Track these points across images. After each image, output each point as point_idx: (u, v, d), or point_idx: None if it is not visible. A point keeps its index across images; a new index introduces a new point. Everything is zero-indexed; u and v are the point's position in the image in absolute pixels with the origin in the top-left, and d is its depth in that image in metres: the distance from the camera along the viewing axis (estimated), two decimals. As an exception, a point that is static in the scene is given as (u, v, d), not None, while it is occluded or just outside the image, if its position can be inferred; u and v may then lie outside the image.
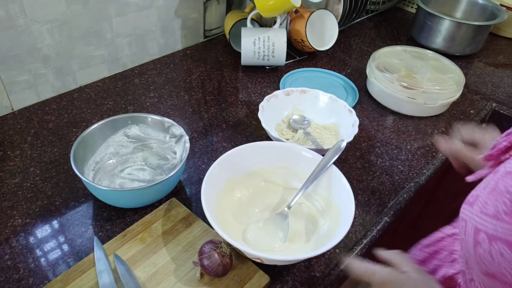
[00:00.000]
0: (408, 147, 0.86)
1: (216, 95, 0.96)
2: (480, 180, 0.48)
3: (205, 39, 1.17)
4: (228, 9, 1.17)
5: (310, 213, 0.66)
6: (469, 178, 0.52)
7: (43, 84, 0.88)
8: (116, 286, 0.55)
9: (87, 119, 0.86)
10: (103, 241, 0.62)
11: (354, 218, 0.64)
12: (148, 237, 0.61)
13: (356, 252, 0.65)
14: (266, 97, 0.84)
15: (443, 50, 1.17)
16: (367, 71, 0.99)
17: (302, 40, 1.06)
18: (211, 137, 0.84)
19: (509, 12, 1.22)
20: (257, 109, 0.81)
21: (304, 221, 0.65)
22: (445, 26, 1.15)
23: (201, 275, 0.57)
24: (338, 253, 0.64)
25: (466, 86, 1.05)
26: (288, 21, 1.10)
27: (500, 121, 1.02)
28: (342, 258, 0.62)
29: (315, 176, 0.65)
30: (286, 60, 1.05)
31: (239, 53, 1.02)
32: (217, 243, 0.56)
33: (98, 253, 0.58)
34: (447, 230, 0.65)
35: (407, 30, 1.34)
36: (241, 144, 0.69)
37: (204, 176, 0.61)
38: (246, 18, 1.02)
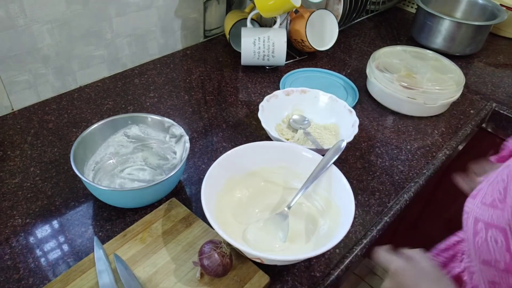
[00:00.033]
0: (408, 147, 0.86)
1: (216, 95, 0.96)
2: None
3: (205, 39, 1.17)
4: (228, 9, 1.17)
5: (310, 213, 0.66)
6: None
7: (43, 84, 0.88)
8: (116, 286, 0.55)
9: (87, 119, 0.86)
10: (103, 241, 0.62)
11: (354, 218, 0.64)
12: (148, 237, 0.61)
13: (356, 252, 0.65)
14: (266, 97, 0.84)
15: (443, 50, 1.17)
16: (367, 71, 0.99)
17: (302, 40, 1.06)
18: (211, 137, 0.84)
19: (509, 12, 1.22)
20: (257, 109, 0.81)
21: (304, 221, 0.65)
22: (445, 26, 1.15)
23: (201, 275, 0.57)
24: (338, 253, 0.64)
25: (466, 86, 1.05)
26: (288, 21, 1.10)
27: (500, 121, 1.02)
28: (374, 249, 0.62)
29: (315, 176, 0.65)
30: (286, 60, 1.05)
31: (239, 53, 1.02)
32: (217, 243, 0.56)
33: (98, 253, 0.58)
34: (462, 234, 0.66)
35: (407, 30, 1.34)
36: (241, 144, 0.69)
37: (204, 176, 0.61)
38: (246, 18, 1.02)
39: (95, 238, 0.61)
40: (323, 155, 0.67)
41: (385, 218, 0.71)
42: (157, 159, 0.75)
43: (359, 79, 1.05)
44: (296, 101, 0.87)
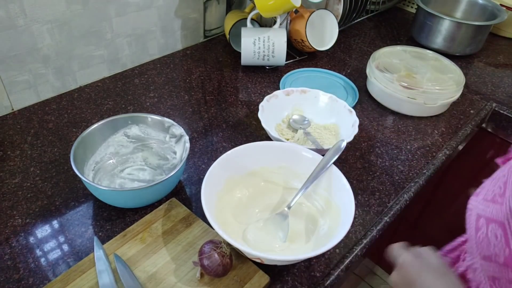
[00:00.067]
0: (408, 147, 0.86)
1: (216, 95, 0.96)
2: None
3: (205, 39, 1.17)
4: (228, 9, 1.17)
5: (310, 213, 0.66)
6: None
7: (43, 84, 0.88)
8: (116, 286, 0.55)
9: (87, 119, 0.86)
10: (103, 241, 0.62)
11: (354, 218, 0.64)
12: (148, 237, 0.61)
13: (356, 252, 0.65)
14: (266, 97, 0.84)
15: (443, 50, 1.17)
16: (367, 71, 0.99)
17: (302, 40, 1.06)
18: (211, 137, 0.84)
19: (509, 12, 1.22)
20: (257, 109, 0.81)
21: (304, 221, 0.65)
22: (445, 26, 1.15)
23: (201, 275, 0.57)
24: (338, 253, 0.64)
25: (466, 86, 1.05)
26: (288, 21, 1.10)
27: (500, 121, 1.02)
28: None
29: (315, 176, 0.65)
30: (286, 60, 1.05)
31: (239, 53, 1.02)
32: (217, 243, 0.56)
33: (98, 253, 0.58)
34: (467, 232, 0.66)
35: (407, 30, 1.34)
36: (241, 144, 0.69)
37: (204, 176, 0.61)
38: (246, 18, 1.02)
39: (95, 238, 0.61)
40: (323, 155, 0.67)
41: (385, 218, 0.71)
42: (157, 159, 0.75)
43: (359, 79, 1.05)
44: (296, 101, 0.87)
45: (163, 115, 0.74)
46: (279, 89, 0.97)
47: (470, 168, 1.18)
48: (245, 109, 0.92)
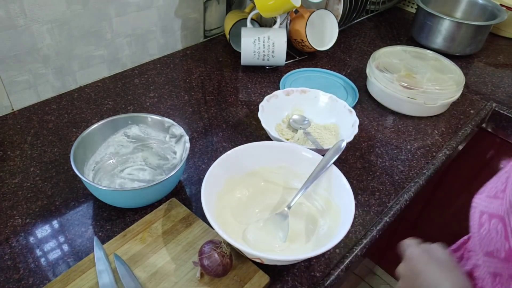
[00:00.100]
0: (408, 147, 0.86)
1: (216, 95, 0.96)
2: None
3: (205, 39, 1.17)
4: (228, 9, 1.17)
5: (310, 213, 0.66)
6: None
7: (43, 84, 0.88)
8: (116, 286, 0.55)
9: (87, 119, 0.86)
10: (103, 241, 0.62)
11: (354, 218, 0.64)
12: (148, 237, 0.61)
13: (356, 252, 0.65)
14: (266, 97, 0.84)
15: (443, 50, 1.17)
16: (367, 71, 0.99)
17: (302, 40, 1.06)
18: (211, 137, 0.84)
19: (509, 12, 1.22)
20: (257, 109, 0.81)
21: (304, 221, 0.65)
22: (445, 26, 1.15)
23: (201, 275, 0.57)
24: (338, 253, 0.64)
25: (466, 86, 1.05)
26: (288, 21, 1.10)
27: (500, 121, 1.02)
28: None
29: (315, 176, 0.65)
30: (286, 60, 1.05)
31: (239, 53, 1.02)
32: (217, 243, 0.56)
33: (98, 253, 0.58)
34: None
35: (407, 30, 1.34)
36: (241, 144, 0.69)
37: (204, 176, 0.61)
38: (246, 18, 1.02)
39: (95, 238, 0.61)
40: (323, 155, 0.67)
41: (385, 218, 0.71)
42: (157, 159, 0.75)
43: (359, 79, 1.05)
44: (296, 101, 0.87)
45: (163, 115, 0.74)
46: (279, 89, 0.97)
47: (470, 168, 1.18)
48: (245, 109, 0.92)
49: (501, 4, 1.22)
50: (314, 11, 1.05)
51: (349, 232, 0.67)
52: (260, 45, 0.99)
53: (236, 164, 0.67)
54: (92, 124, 0.70)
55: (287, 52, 1.03)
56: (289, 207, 0.64)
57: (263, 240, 0.61)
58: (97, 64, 0.95)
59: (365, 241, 0.66)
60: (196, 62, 1.07)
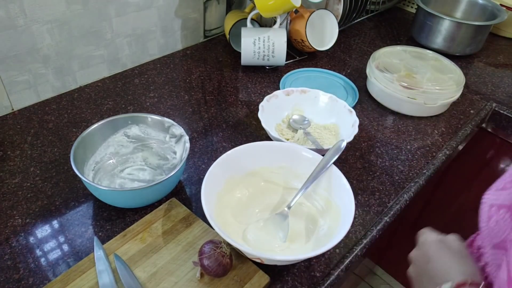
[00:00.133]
0: (408, 147, 0.86)
1: (216, 95, 0.96)
2: None
3: (205, 39, 1.17)
4: (228, 9, 1.17)
5: (310, 213, 0.66)
6: None
7: (43, 84, 0.88)
8: (116, 286, 0.55)
9: (87, 119, 0.86)
10: (103, 241, 0.62)
11: (354, 218, 0.64)
12: (148, 237, 0.61)
13: (356, 252, 0.65)
14: (266, 97, 0.84)
15: (443, 50, 1.17)
16: (367, 71, 0.99)
17: (302, 40, 1.06)
18: (211, 137, 0.84)
19: (509, 12, 1.22)
20: (257, 109, 0.81)
21: (304, 221, 0.65)
22: (445, 26, 1.15)
23: (201, 275, 0.57)
24: (338, 253, 0.64)
25: (466, 86, 1.05)
26: (288, 21, 1.10)
27: (500, 121, 1.02)
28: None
29: (315, 176, 0.65)
30: (286, 60, 1.05)
31: (239, 53, 1.02)
32: (217, 243, 0.56)
33: (98, 253, 0.58)
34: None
35: (407, 30, 1.34)
36: (241, 144, 0.69)
37: (204, 176, 0.61)
38: (246, 18, 1.02)
39: (95, 238, 0.61)
40: (323, 155, 0.67)
41: (385, 218, 0.71)
42: (157, 159, 0.75)
43: (359, 79, 1.05)
44: (296, 101, 0.87)
45: (163, 115, 0.74)
46: (279, 89, 0.97)
47: (470, 168, 1.18)
48: (245, 109, 0.92)
49: (501, 4, 1.22)
50: (314, 11, 1.05)
51: (349, 232, 0.67)
52: (260, 45, 0.99)
53: (236, 164, 0.67)
54: (92, 124, 0.70)
55: (287, 52, 1.03)
56: (289, 207, 0.64)
57: (263, 240, 0.61)
58: (97, 64, 0.95)
59: (365, 241, 0.66)
60: (196, 62, 1.07)
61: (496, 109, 1.01)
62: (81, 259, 0.58)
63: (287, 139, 0.80)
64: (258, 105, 0.81)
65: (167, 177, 0.62)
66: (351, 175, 0.78)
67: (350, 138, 0.75)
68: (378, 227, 0.69)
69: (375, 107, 0.97)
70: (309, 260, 0.63)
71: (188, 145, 0.68)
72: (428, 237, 0.55)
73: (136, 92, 0.95)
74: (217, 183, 0.63)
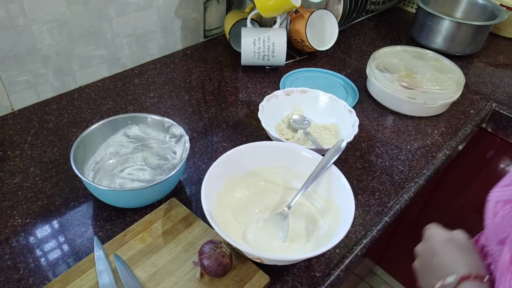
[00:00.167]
0: (408, 147, 0.86)
1: (216, 95, 0.96)
2: None
3: (205, 39, 1.17)
4: (228, 9, 1.17)
5: (310, 213, 0.66)
6: None
7: (43, 84, 0.88)
8: (116, 286, 0.55)
9: (87, 119, 0.86)
10: (103, 241, 0.62)
11: (354, 218, 0.64)
12: (148, 237, 0.61)
13: (356, 252, 0.65)
14: (266, 97, 0.84)
15: (443, 50, 1.17)
16: (367, 71, 0.99)
17: (302, 40, 1.06)
18: (211, 137, 0.84)
19: (509, 12, 1.22)
20: (257, 109, 0.81)
21: (304, 221, 0.65)
22: (445, 26, 1.15)
23: (201, 275, 0.57)
24: (338, 253, 0.64)
25: (466, 86, 1.05)
26: (288, 21, 1.10)
27: (500, 121, 1.02)
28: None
29: (315, 176, 0.65)
30: (286, 60, 1.05)
31: (239, 53, 1.02)
32: (217, 243, 0.56)
33: (98, 253, 0.58)
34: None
35: (407, 30, 1.34)
36: (241, 144, 0.69)
37: (204, 176, 0.61)
38: (246, 18, 1.02)
39: (95, 238, 0.61)
40: (323, 155, 0.67)
41: (385, 218, 0.71)
42: (157, 159, 0.75)
43: (359, 79, 1.05)
44: (296, 101, 0.87)
45: (163, 115, 0.74)
46: (279, 89, 0.97)
47: (470, 168, 1.18)
48: (245, 109, 0.92)
49: (501, 4, 1.22)
50: (314, 11, 1.05)
51: (349, 232, 0.67)
52: (260, 45, 0.99)
53: (236, 164, 0.67)
54: (92, 124, 0.70)
55: (287, 52, 1.03)
56: (289, 207, 0.64)
57: (263, 240, 0.61)
58: (97, 64, 0.95)
59: (365, 241, 0.66)
60: (196, 62, 1.07)
61: (496, 109, 1.01)
62: (81, 259, 0.58)
63: (287, 139, 0.80)
64: (258, 105, 0.81)
65: (167, 177, 0.62)
66: (351, 175, 0.78)
67: (350, 138, 0.75)
68: (378, 227, 0.69)
69: (375, 107, 0.97)
70: (309, 260, 0.63)
71: (188, 145, 0.68)
72: (434, 232, 0.55)
73: (136, 92, 0.95)
74: (217, 183, 0.63)
